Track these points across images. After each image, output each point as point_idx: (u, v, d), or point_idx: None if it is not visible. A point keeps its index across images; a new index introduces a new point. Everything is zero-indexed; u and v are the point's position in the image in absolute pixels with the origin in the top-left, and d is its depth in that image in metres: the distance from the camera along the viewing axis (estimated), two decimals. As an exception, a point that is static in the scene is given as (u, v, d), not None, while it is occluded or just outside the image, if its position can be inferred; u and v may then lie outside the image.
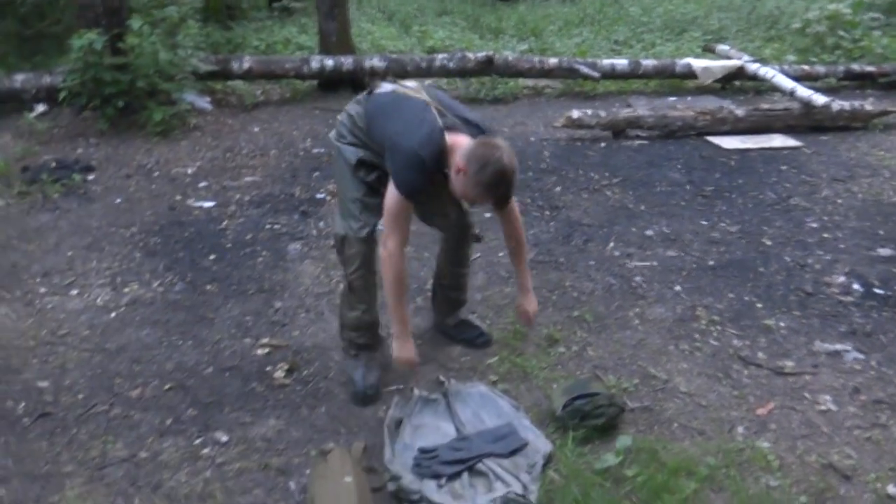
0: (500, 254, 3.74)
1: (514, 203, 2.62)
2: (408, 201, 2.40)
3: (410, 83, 2.64)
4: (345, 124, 2.63)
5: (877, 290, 3.36)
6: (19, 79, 6.22)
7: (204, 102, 6.44)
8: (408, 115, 2.41)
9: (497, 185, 2.29)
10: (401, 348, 2.54)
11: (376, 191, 2.55)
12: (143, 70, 5.66)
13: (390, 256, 2.42)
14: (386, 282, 2.48)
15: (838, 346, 2.92)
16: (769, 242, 3.89)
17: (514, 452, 2.30)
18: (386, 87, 2.60)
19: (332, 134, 2.71)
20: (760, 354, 2.89)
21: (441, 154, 2.36)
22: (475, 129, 2.46)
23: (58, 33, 7.77)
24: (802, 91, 5.95)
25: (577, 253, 3.82)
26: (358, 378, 2.71)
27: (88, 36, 5.48)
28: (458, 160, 2.30)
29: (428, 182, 2.39)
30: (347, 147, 2.61)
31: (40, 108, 6.14)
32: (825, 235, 3.95)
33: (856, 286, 3.40)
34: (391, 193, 2.40)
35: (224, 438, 2.51)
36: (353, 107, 2.64)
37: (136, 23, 5.62)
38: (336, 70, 6.78)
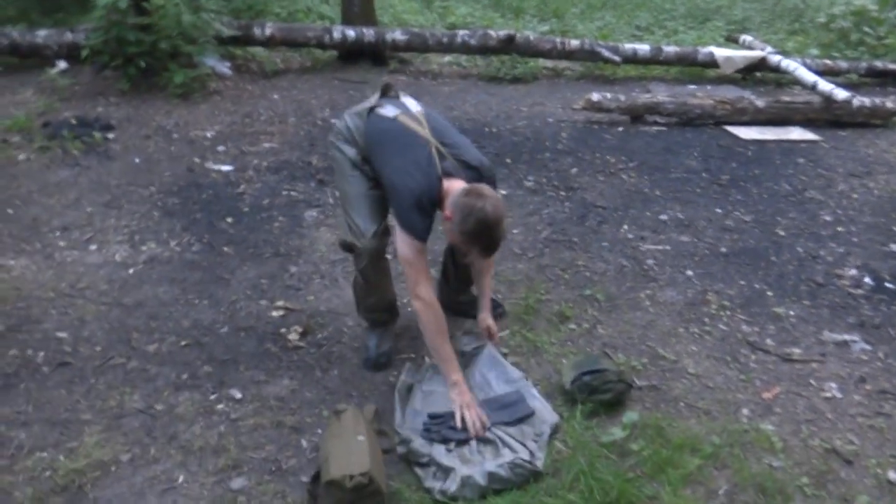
0: (515, 231, 3.77)
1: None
2: (421, 243, 2.40)
3: (414, 106, 2.59)
4: (342, 133, 2.63)
5: (888, 285, 3.38)
6: (41, 35, 6.23)
7: (224, 67, 6.45)
8: (408, 156, 2.41)
9: (479, 235, 2.26)
10: (460, 394, 2.42)
11: (379, 184, 2.56)
12: (167, 31, 5.66)
13: (427, 307, 2.42)
14: (427, 332, 2.46)
15: (846, 337, 2.95)
16: (782, 233, 3.90)
17: (520, 420, 2.35)
18: (389, 110, 2.54)
19: (331, 137, 2.71)
20: (769, 341, 2.93)
21: (438, 201, 2.39)
22: (474, 172, 2.46)
23: (82, -9, 7.76)
24: (824, 85, 5.92)
25: (591, 234, 3.84)
26: (371, 345, 2.77)
27: (114, -6, 5.48)
28: (447, 207, 2.32)
29: (432, 220, 2.42)
30: (346, 146, 2.61)
31: (62, 64, 6.16)
32: (839, 229, 3.97)
33: (867, 279, 3.42)
34: (403, 241, 2.39)
35: (238, 395, 2.56)
36: (352, 119, 2.62)
37: (161, -17, 5.62)
38: (357, 41, 6.77)
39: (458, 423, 2.32)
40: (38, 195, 4.07)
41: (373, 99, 2.65)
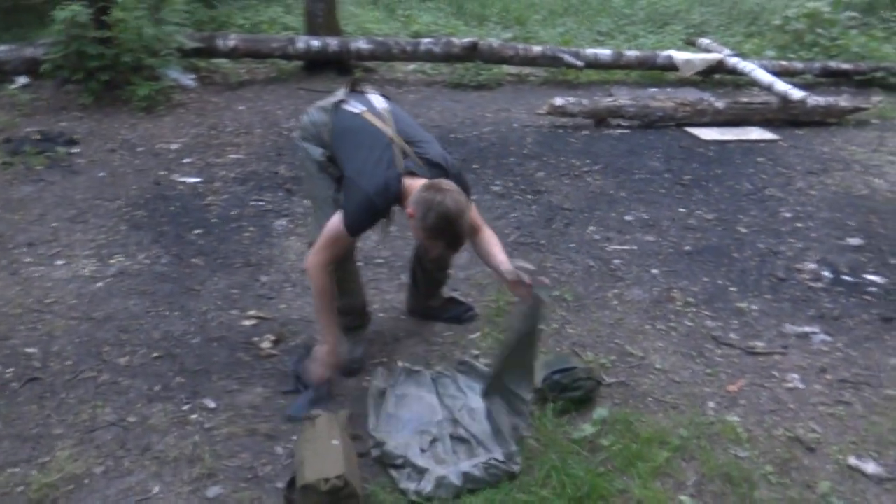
0: (484, 235, 3.81)
1: (483, 226, 2.55)
2: (349, 237, 2.44)
3: (380, 103, 2.61)
4: (308, 129, 2.63)
5: (845, 277, 3.49)
6: (3, 51, 6.16)
7: (188, 79, 6.43)
8: (369, 152, 2.42)
9: (441, 230, 2.25)
10: (329, 354, 2.53)
11: None
12: (128, 45, 5.65)
13: (316, 271, 2.46)
14: (314, 295, 2.53)
15: (807, 329, 3.05)
16: (744, 230, 4.01)
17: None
18: (354, 105, 2.56)
19: (296, 134, 2.72)
20: (732, 335, 3.01)
21: (396, 200, 2.40)
22: (438, 170, 2.46)
23: (36, 5, 7.68)
24: (780, 86, 6.09)
25: (558, 236, 3.90)
26: (344, 351, 2.77)
27: (72, 8, 5.46)
28: (408, 205, 2.31)
29: (374, 223, 2.46)
30: (313, 146, 2.61)
31: (22, 80, 6.10)
32: (798, 225, 4.08)
33: (825, 273, 3.53)
34: (335, 222, 2.41)
35: (212, 405, 2.56)
36: (317, 114, 2.63)
37: (123, -4, 5.59)
38: (322, 51, 6.80)
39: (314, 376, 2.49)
40: (1, 211, 4.01)
41: (340, 93, 2.65)
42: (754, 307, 3.23)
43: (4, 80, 6.05)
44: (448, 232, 2.26)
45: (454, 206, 2.23)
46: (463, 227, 2.29)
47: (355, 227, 2.42)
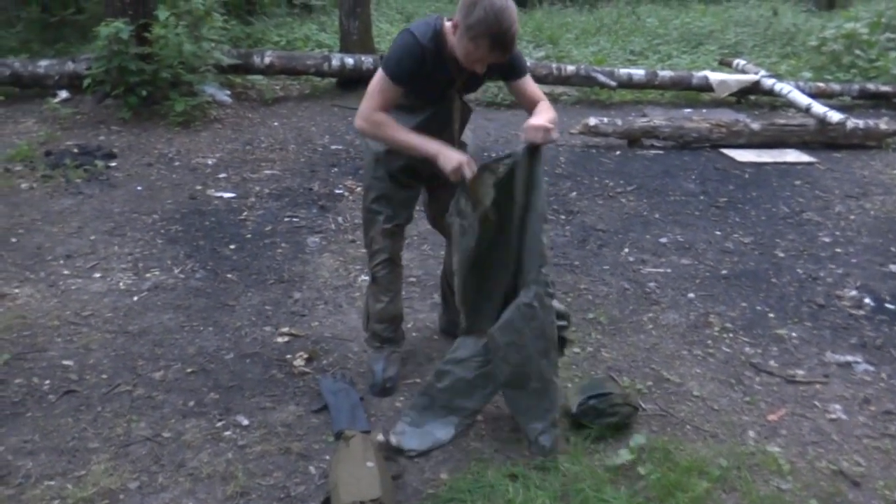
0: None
1: (532, 84, 2.48)
2: (391, 83, 2.31)
3: None
4: None
5: (888, 305, 3.41)
6: (43, 65, 6.31)
7: (224, 95, 6.52)
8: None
9: (487, 23, 2.09)
10: (447, 158, 2.30)
11: (402, 184, 2.61)
12: (168, 61, 5.75)
13: (364, 119, 2.35)
14: (382, 138, 2.40)
15: (849, 358, 2.97)
16: (782, 254, 3.94)
17: None
18: None
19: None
20: (772, 362, 2.94)
21: (438, 35, 2.28)
22: None
23: (80, 21, 7.89)
24: (818, 108, 6.00)
25: (592, 257, 3.87)
26: (378, 370, 2.76)
27: (115, 25, 5.57)
28: (454, 20, 2.23)
29: (418, 67, 2.28)
30: (372, 140, 2.59)
31: (63, 94, 6.23)
32: (837, 250, 4.00)
33: (867, 300, 3.45)
34: (376, 75, 2.33)
35: (245, 422, 2.56)
36: None
37: (162, 14, 5.71)
38: (356, 69, 6.86)
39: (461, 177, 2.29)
40: (41, 223, 4.09)
41: None
42: (794, 334, 3.16)
43: (46, 94, 6.19)
44: (494, 25, 2.10)
45: (501, 1, 2.10)
46: (510, 22, 2.12)
47: (396, 67, 2.29)
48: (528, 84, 2.50)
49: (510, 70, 2.44)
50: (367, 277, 3.15)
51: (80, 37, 7.60)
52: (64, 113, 5.82)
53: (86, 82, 5.79)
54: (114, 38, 5.58)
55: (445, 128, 2.53)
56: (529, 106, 2.48)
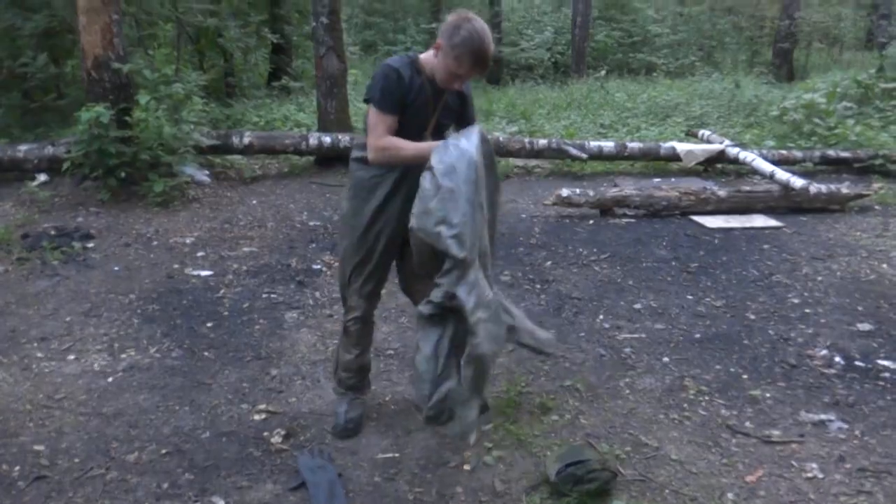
0: (493, 324, 3.82)
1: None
2: (385, 114, 2.52)
3: None
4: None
5: (858, 363, 3.46)
6: (22, 149, 6.40)
7: (203, 175, 6.62)
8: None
9: (471, 43, 2.37)
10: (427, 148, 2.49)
11: (378, 252, 2.74)
12: (148, 143, 5.85)
13: (377, 148, 2.55)
14: (401, 154, 2.55)
15: (823, 416, 3.00)
16: (753, 317, 4.01)
17: None
18: None
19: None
20: (748, 424, 2.96)
21: (413, 67, 2.54)
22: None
23: (60, 107, 8.02)
24: (781, 174, 6.21)
25: (568, 325, 3.91)
26: (340, 412, 2.90)
27: (96, 109, 5.68)
28: (436, 43, 2.46)
29: (399, 91, 2.49)
30: (357, 164, 2.76)
31: (42, 177, 6.30)
32: (807, 311, 4.08)
33: (838, 359, 3.50)
34: (370, 111, 2.55)
35: (221, 503, 2.52)
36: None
37: (143, 98, 5.84)
38: (333, 147, 7.02)
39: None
40: (16, 306, 4.07)
41: None
42: (768, 395, 3.19)
43: (26, 178, 6.25)
44: (476, 45, 2.38)
45: (480, 25, 2.40)
46: (489, 43, 2.41)
47: (382, 97, 2.50)
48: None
49: (467, 115, 2.76)
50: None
51: (61, 121, 7.72)
52: (42, 196, 5.86)
53: (65, 165, 5.86)
54: (94, 122, 5.68)
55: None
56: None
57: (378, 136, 2.55)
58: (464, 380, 2.40)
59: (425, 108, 2.60)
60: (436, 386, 2.41)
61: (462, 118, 2.75)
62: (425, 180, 2.37)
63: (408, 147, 2.55)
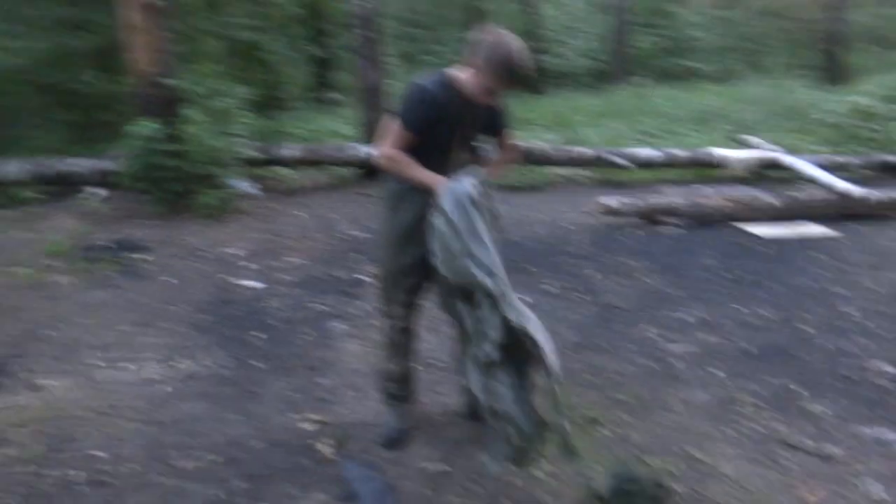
0: (541, 336, 3.81)
1: (513, 140, 2.85)
2: (405, 131, 2.54)
3: None
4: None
5: (920, 378, 3.36)
6: (81, 164, 6.59)
7: (251, 187, 6.74)
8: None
9: (505, 64, 2.37)
10: (435, 180, 2.55)
11: (411, 271, 2.75)
12: (196, 157, 5.98)
13: (383, 157, 2.61)
14: (396, 172, 2.63)
15: (885, 432, 2.91)
16: (808, 329, 3.91)
17: None
18: None
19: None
20: (805, 440, 2.89)
21: (447, 83, 2.53)
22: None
23: (113, 122, 8.25)
24: (837, 182, 6.05)
25: (617, 337, 3.87)
26: (388, 423, 2.94)
27: (147, 124, 5.83)
28: (471, 60, 2.45)
29: (430, 112, 2.51)
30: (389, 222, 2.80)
31: (98, 191, 6.49)
32: (866, 323, 3.97)
33: (899, 373, 3.41)
34: (393, 122, 2.57)
35: (274, 512, 2.55)
36: None
37: (191, 112, 5.97)
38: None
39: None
40: (77, 316, 4.19)
41: None
42: (826, 410, 3.11)
43: (82, 192, 6.45)
44: (512, 67, 2.38)
45: (517, 44, 2.39)
46: (526, 62, 2.40)
47: (409, 116, 2.53)
48: (510, 141, 2.87)
49: (500, 125, 2.78)
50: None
51: (114, 136, 7.94)
52: (100, 209, 6.04)
53: (119, 179, 6.03)
54: (146, 137, 5.84)
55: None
56: (505, 151, 2.88)
57: (391, 146, 2.59)
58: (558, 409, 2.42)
59: (455, 122, 2.61)
60: (536, 425, 2.45)
61: (493, 129, 2.78)
62: (440, 222, 2.44)
63: (414, 170, 2.59)
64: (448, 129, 2.60)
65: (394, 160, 2.61)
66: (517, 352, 2.41)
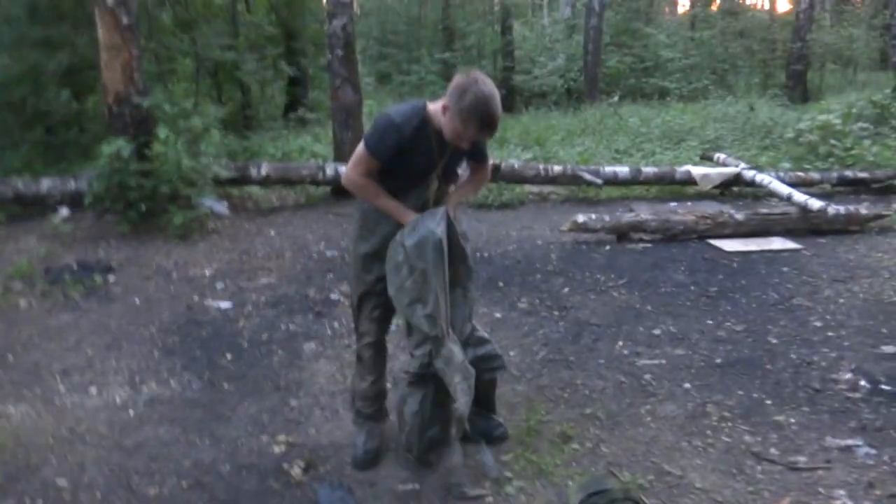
0: (512, 352, 3.81)
1: (488, 165, 2.89)
2: (371, 157, 2.57)
3: None
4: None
5: (883, 387, 3.40)
6: (45, 184, 6.50)
7: (222, 207, 6.69)
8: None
9: (476, 107, 2.36)
10: (396, 208, 2.65)
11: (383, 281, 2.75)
12: (167, 176, 5.93)
13: (350, 181, 2.65)
14: (360, 196, 2.71)
15: (849, 442, 2.95)
16: (775, 341, 3.96)
17: None
18: None
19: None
20: (773, 450, 2.92)
21: (419, 118, 2.54)
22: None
23: (82, 142, 8.18)
24: (798, 196, 6.17)
25: (587, 352, 3.89)
26: (359, 443, 2.90)
27: (117, 143, 5.79)
28: (442, 103, 2.47)
29: (396, 143, 2.51)
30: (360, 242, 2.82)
31: (64, 211, 6.39)
32: (829, 334, 4.03)
33: (863, 382, 3.45)
34: (360, 146, 2.60)
35: (241, 535, 2.51)
36: None
37: (163, 132, 5.94)
38: (349, 177, 7.07)
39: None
40: (38, 340, 4.11)
41: None
42: (793, 420, 3.14)
43: (49, 212, 6.35)
44: (482, 109, 2.37)
45: (488, 88, 2.38)
46: (497, 107, 2.39)
47: (376, 145, 2.55)
48: (484, 166, 2.91)
49: (479, 154, 2.81)
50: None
51: (83, 156, 7.86)
52: (64, 230, 5.95)
53: (87, 199, 5.96)
54: (115, 155, 5.79)
55: (423, 207, 2.72)
56: (473, 178, 2.93)
57: (359, 173, 2.62)
58: (453, 436, 2.73)
59: (432, 155, 2.63)
60: (423, 434, 2.74)
61: (473, 156, 2.81)
62: (398, 254, 2.57)
63: (381, 200, 2.66)
64: (421, 160, 2.63)
65: (362, 187, 2.65)
66: (435, 381, 2.67)
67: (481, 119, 2.39)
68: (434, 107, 2.55)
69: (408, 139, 2.54)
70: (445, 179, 2.78)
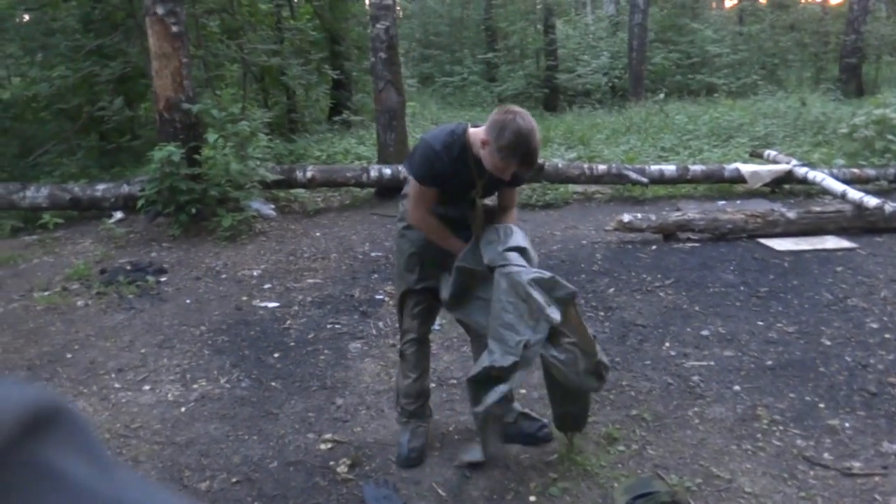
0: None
1: (516, 192, 2.89)
2: (425, 188, 2.62)
3: None
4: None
5: (944, 391, 3.29)
6: (100, 188, 6.72)
7: (269, 209, 6.81)
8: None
9: (516, 145, 2.37)
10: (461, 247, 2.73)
11: (427, 278, 2.83)
12: (216, 180, 6.07)
13: (418, 220, 2.71)
14: (428, 234, 2.75)
15: (908, 448, 2.86)
16: (828, 342, 3.86)
17: None
18: None
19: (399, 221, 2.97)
20: (826, 455, 2.84)
21: (459, 146, 2.56)
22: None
23: (135, 148, 8.42)
24: (853, 193, 5.99)
25: (633, 353, 3.84)
26: (403, 441, 2.92)
27: (168, 148, 5.95)
28: (481, 136, 2.48)
29: (441, 170, 2.55)
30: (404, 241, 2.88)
31: (118, 215, 6.60)
32: (887, 336, 3.91)
33: (922, 387, 3.34)
34: (411, 182, 2.67)
35: (289, 531, 2.55)
36: None
37: (211, 136, 6.08)
38: (393, 178, 7.13)
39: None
40: (94, 339, 4.25)
41: None
42: (847, 424, 3.06)
43: (103, 216, 6.56)
44: (522, 146, 2.38)
45: (526, 123, 2.39)
46: (536, 143, 2.42)
47: (424, 173, 2.59)
48: (515, 192, 2.90)
49: (515, 181, 2.75)
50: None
51: (135, 161, 8.11)
52: (118, 232, 6.13)
53: (139, 203, 6.14)
54: (166, 160, 5.95)
55: (468, 227, 2.79)
56: (503, 207, 2.88)
57: (423, 209, 2.69)
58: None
59: (472, 179, 2.65)
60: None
61: (511, 184, 2.79)
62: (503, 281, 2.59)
63: (445, 239, 2.74)
64: (468, 183, 2.66)
65: (431, 229, 2.73)
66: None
67: (522, 156, 2.41)
68: (474, 131, 2.56)
69: (448, 164, 2.57)
70: (487, 196, 2.82)
